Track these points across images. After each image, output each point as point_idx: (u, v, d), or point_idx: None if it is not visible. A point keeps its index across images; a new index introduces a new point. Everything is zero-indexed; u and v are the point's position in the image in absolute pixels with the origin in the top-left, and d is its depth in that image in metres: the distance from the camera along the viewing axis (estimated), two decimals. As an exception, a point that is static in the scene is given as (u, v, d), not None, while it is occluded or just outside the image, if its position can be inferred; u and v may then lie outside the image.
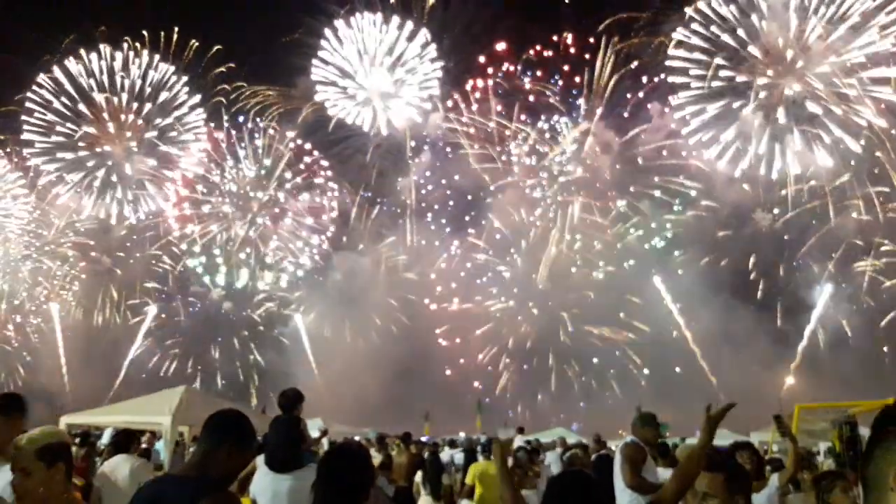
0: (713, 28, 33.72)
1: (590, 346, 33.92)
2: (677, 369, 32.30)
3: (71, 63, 36.84)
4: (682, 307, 34.55)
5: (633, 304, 34.96)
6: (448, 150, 38.64)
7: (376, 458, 11.34)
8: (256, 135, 39.78)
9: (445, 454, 14.41)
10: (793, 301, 34.72)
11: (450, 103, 38.46)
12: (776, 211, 35.41)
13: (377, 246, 38.76)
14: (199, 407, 10.90)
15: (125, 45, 37.08)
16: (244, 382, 33.86)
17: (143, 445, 13.32)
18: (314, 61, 37.56)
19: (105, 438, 10.66)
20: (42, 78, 36.41)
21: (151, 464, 9.01)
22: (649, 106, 36.95)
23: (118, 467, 6.57)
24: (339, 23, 37.18)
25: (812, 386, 28.16)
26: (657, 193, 36.53)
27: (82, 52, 36.81)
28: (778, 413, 7.18)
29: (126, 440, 7.32)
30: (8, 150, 37.56)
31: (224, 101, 38.83)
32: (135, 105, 37.92)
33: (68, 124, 37.16)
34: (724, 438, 21.04)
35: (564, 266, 36.22)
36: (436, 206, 38.30)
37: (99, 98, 37.28)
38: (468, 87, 38.39)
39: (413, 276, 37.38)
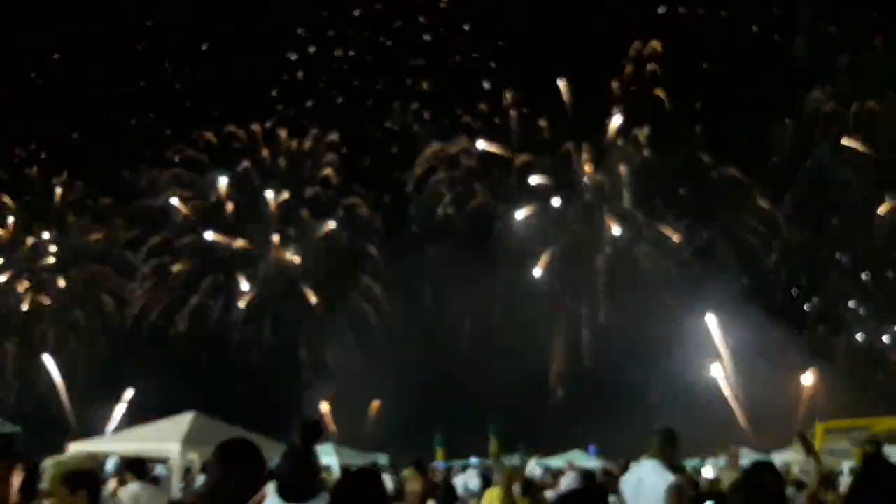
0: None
1: (612, 364, 33.34)
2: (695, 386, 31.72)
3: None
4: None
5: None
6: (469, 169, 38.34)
7: (390, 484, 11.17)
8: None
9: (459, 479, 14.18)
10: (822, 314, 34.16)
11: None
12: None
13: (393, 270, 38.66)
14: (209, 434, 10.81)
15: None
16: (257, 409, 33.56)
17: (162, 471, 13.21)
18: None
19: (109, 466, 10.52)
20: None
21: (165, 493, 8.95)
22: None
23: (138, 496, 6.52)
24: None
25: (839, 403, 27.66)
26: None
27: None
28: (802, 431, 7.00)
29: (142, 467, 7.35)
30: None
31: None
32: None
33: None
34: (743, 458, 20.57)
35: (592, 284, 35.94)
36: (455, 227, 37.94)
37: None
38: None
39: (431, 298, 37.32)
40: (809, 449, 6.52)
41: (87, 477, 3.26)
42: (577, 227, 36.90)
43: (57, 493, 3.15)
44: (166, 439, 11.36)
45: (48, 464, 3.31)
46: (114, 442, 13.06)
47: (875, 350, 32.09)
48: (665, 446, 5.02)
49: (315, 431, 5.60)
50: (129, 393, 36.85)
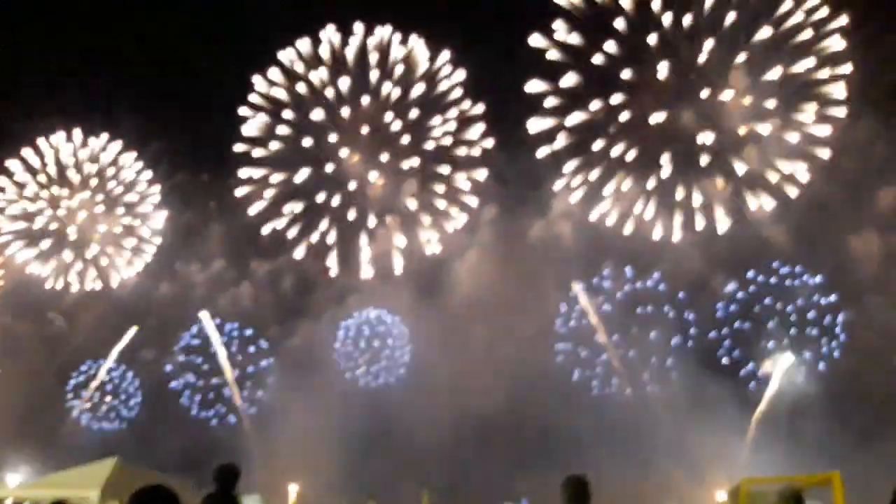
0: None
1: (551, 411, 33.33)
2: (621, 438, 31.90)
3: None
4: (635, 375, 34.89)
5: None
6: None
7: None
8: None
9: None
10: (750, 370, 34.91)
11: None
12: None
13: (339, 312, 38.05)
14: (131, 481, 10.38)
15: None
16: (195, 454, 32.24)
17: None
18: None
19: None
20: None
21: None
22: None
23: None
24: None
25: (768, 457, 28.22)
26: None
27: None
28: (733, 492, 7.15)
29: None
30: None
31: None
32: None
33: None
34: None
35: (529, 331, 35.98)
36: (401, 272, 37.55)
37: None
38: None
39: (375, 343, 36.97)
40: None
41: None
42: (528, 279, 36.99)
43: None
44: (85, 486, 10.85)
45: None
46: (30, 488, 12.36)
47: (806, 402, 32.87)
48: (577, 501, 4.80)
49: (230, 474, 5.46)
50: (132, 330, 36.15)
